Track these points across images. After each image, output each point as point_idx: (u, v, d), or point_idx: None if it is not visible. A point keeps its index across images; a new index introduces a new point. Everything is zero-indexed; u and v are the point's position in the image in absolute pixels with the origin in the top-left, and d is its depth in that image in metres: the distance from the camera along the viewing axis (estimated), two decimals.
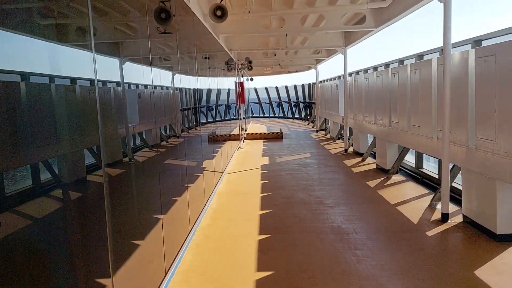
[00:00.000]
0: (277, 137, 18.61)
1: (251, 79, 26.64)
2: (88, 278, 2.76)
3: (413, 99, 7.96)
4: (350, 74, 14.39)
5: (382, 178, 9.36)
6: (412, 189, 8.43)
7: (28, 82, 2.27)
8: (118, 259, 3.05)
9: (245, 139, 18.21)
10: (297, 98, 31.00)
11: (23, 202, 2.23)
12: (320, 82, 21.68)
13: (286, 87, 31.98)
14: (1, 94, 2.03)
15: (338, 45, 13.46)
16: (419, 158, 9.64)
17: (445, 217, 6.21)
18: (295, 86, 30.69)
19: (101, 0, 3.30)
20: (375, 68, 12.72)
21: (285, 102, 32.72)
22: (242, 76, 18.22)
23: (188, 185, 6.11)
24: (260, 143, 17.04)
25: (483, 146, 5.44)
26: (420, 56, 9.19)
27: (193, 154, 7.29)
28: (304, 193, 8.29)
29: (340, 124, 15.78)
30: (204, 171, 7.68)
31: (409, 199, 7.60)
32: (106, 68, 3.45)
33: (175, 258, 4.73)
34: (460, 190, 7.02)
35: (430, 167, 9.51)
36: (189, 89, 7.63)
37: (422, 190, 8.21)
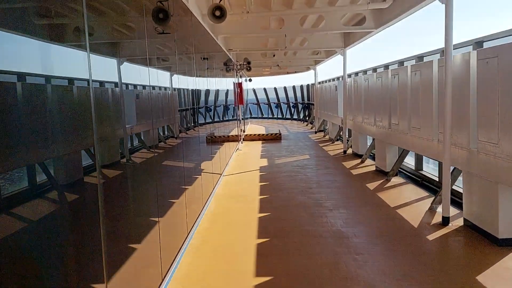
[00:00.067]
0: (275, 138, 18.53)
1: (250, 80, 26.58)
2: (81, 285, 2.67)
3: (414, 101, 7.89)
4: (349, 75, 14.32)
5: (382, 180, 9.29)
6: (412, 191, 8.35)
7: (25, 83, 2.24)
8: (113, 264, 2.96)
9: (243, 140, 18.13)
10: (296, 99, 30.94)
11: (19, 204, 2.19)
12: (319, 83, 21.62)
13: (285, 88, 31.92)
14: None
15: (337, 46, 13.38)
16: (418, 160, 9.57)
17: (445, 221, 6.13)
18: (293, 87, 30.64)
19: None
20: (374, 70, 12.65)
21: (283, 103, 32.67)
22: (240, 76, 18.14)
23: (186, 187, 6.03)
24: (258, 144, 16.96)
25: (485, 149, 5.37)
26: (420, 57, 9.13)
27: (191, 155, 7.20)
28: (303, 195, 8.21)
29: (339, 126, 15.72)
30: (202, 173, 7.59)
31: (409, 202, 7.52)
32: (103, 69, 3.41)
33: (172, 263, 4.64)
34: (461, 193, 6.96)
35: (429, 169, 9.45)
36: (188, 89, 7.54)
37: (422, 192, 8.14)
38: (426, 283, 4.38)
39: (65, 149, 2.62)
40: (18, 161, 2.15)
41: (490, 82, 5.18)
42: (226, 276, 4.73)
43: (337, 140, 16.75)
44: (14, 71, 2.15)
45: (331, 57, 17.48)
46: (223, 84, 14.47)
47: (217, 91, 14.45)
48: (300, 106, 30.60)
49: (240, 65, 16.10)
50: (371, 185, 8.93)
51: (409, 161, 9.99)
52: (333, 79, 19.12)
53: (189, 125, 8.00)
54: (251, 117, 33.99)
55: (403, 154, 9.24)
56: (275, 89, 32.92)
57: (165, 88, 5.76)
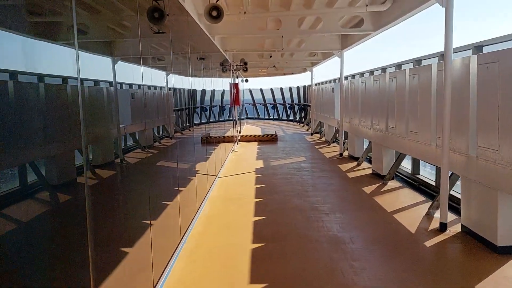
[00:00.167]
0: (271, 139, 18.44)
1: (246, 81, 26.47)
2: None
3: (411, 104, 7.82)
4: (346, 78, 14.25)
5: (378, 184, 9.21)
6: (409, 196, 8.28)
7: (17, 81, 2.18)
8: (100, 269, 2.83)
9: (239, 141, 18.02)
10: (292, 100, 30.88)
11: (9, 204, 2.14)
12: (316, 84, 21.56)
13: (281, 89, 31.86)
14: None
15: (334, 48, 13.31)
16: (415, 164, 9.50)
17: (443, 227, 6.05)
18: (290, 88, 30.58)
19: None
20: (371, 72, 12.59)
21: (280, 104, 32.59)
22: (237, 77, 18.03)
23: (180, 188, 5.91)
24: (254, 146, 16.85)
25: (485, 155, 5.29)
26: (418, 61, 9.07)
27: (186, 156, 7.08)
28: (299, 198, 8.11)
29: (335, 128, 15.65)
30: (197, 174, 7.48)
31: (406, 207, 7.45)
32: (97, 68, 3.35)
33: (165, 268, 4.52)
34: (458, 198, 6.89)
35: (426, 173, 9.39)
36: (183, 89, 7.43)
37: (418, 197, 8.07)
38: None
39: (56, 149, 2.55)
40: (10, 160, 2.11)
41: (491, 87, 5.10)
42: (220, 282, 4.62)
43: (333, 142, 16.68)
44: (6, 69, 2.10)
45: (328, 59, 17.41)
46: (219, 84, 14.36)
47: (213, 91, 14.35)
48: (296, 107, 30.53)
49: (236, 65, 15.99)
50: (368, 189, 8.85)
51: (406, 165, 9.93)
52: (330, 81, 19.06)
53: (184, 125, 7.89)
54: (247, 118, 33.88)
55: (400, 157, 9.17)
56: (271, 90, 32.85)
57: (161, 88, 5.67)
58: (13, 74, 2.16)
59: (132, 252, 3.67)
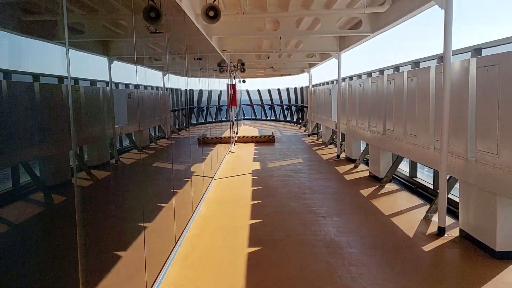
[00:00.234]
0: (268, 140, 18.36)
1: (243, 81, 26.40)
2: None
3: (409, 107, 7.76)
4: (344, 79, 14.20)
5: (376, 187, 9.15)
6: (406, 199, 8.22)
7: (10, 81, 2.13)
8: (89, 274, 2.73)
9: (236, 142, 17.94)
10: (289, 101, 30.83)
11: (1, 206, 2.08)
12: (313, 86, 21.51)
13: (279, 90, 31.81)
14: None
15: (332, 49, 13.25)
16: (413, 167, 9.45)
17: (441, 231, 5.99)
18: (287, 89, 30.53)
19: None
20: (369, 74, 12.54)
21: (277, 105, 32.54)
22: (234, 78, 17.95)
23: (176, 190, 5.82)
24: (251, 147, 16.77)
25: (484, 159, 5.23)
26: (416, 63, 9.01)
27: (182, 157, 7.00)
28: (296, 201, 8.04)
29: (333, 129, 15.60)
30: (193, 176, 7.39)
31: (404, 210, 7.38)
32: (92, 67, 3.30)
33: (159, 273, 4.43)
34: (456, 201, 6.83)
35: (424, 176, 9.34)
36: (180, 89, 7.34)
37: (416, 200, 8.01)
38: None
39: (48, 150, 2.49)
40: (3, 161, 2.07)
41: (490, 91, 5.04)
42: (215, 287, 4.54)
43: (330, 144, 16.62)
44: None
45: (325, 60, 17.36)
46: (216, 85, 14.28)
47: (210, 92, 14.26)
48: (293, 108, 30.48)
49: (234, 66, 15.91)
50: (365, 192, 8.79)
51: (403, 168, 9.88)
52: (327, 83, 19.01)
53: (181, 125, 7.81)
54: (244, 119, 33.80)
55: (397, 160, 9.12)
56: (269, 90, 32.79)
57: (157, 88, 5.60)
58: (7, 74, 2.11)
59: (124, 255, 3.57)
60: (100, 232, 3.13)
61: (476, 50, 6.50)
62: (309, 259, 5.23)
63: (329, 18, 9.78)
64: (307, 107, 23.23)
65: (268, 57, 17.10)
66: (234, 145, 17.12)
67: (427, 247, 5.59)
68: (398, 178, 9.95)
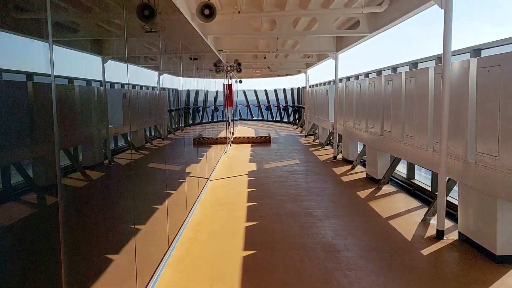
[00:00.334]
0: (265, 141, 18.25)
1: (240, 82, 26.29)
2: None
3: (408, 108, 7.66)
4: (341, 80, 14.11)
5: (373, 189, 9.05)
6: (404, 201, 8.13)
7: (1, 80, 2.08)
8: (74, 279, 2.59)
9: (232, 142, 17.81)
10: (286, 102, 30.75)
11: None
12: (310, 86, 21.42)
13: (275, 91, 31.72)
14: None
15: (329, 50, 13.15)
16: (410, 168, 9.36)
17: (440, 234, 5.89)
18: (284, 90, 30.45)
19: None
20: (366, 75, 12.46)
21: (274, 105, 32.45)
22: (230, 78, 17.82)
23: (169, 192, 5.69)
24: (247, 148, 16.65)
25: (484, 162, 5.14)
26: (414, 64, 8.93)
27: (177, 158, 6.87)
28: (292, 203, 7.92)
29: (329, 130, 15.50)
30: (188, 177, 7.26)
31: (402, 213, 7.28)
32: (86, 66, 3.25)
33: (150, 278, 4.29)
34: (455, 204, 6.75)
35: (421, 178, 9.25)
36: (176, 89, 7.22)
37: (414, 202, 7.91)
38: None
39: (44, 149, 2.42)
40: None
41: (491, 92, 4.95)
42: None
43: (327, 145, 16.53)
44: None
45: (322, 61, 17.27)
46: (213, 85, 14.15)
47: (206, 92, 14.13)
48: (290, 109, 30.39)
49: (230, 66, 15.78)
50: (362, 193, 8.68)
51: (401, 169, 9.79)
52: (324, 83, 18.93)
53: (177, 126, 7.69)
54: (240, 119, 33.67)
55: (395, 162, 9.02)
56: (265, 91, 32.70)
57: (153, 88, 5.48)
58: None
59: (113, 259, 3.43)
60: (86, 235, 2.99)
61: (476, 51, 6.42)
62: (306, 263, 5.11)
63: (327, 18, 9.68)
64: (303, 107, 23.14)
65: (265, 57, 16.99)
66: (230, 145, 16.99)
67: (426, 251, 5.48)
68: (395, 180, 9.86)
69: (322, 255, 5.36)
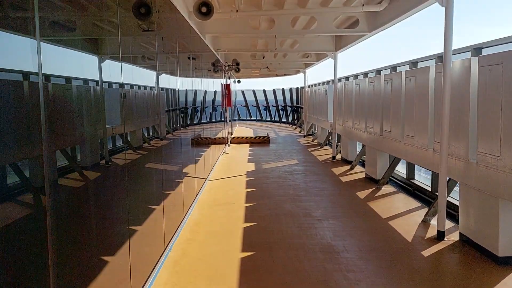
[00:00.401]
0: (263, 141, 18.17)
1: (239, 82, 26.20)
2: None
3: (408, 107, 7.59)
4: (340, 80, 14.03)
5: (372, 189, 8.97)
6: (404, 201, 8.05)
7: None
8: (62, 282, 2.50)
9: (230, 143, 17.72)
10: (285, 102, 30.67)
11: None
12: (309, 86, 21.35)
13: (274, 91, 31.64)
14: None
15: (328, 49, 13.07)
16: (410, 168, 9.29)
17: (441, 235, 5.81)
18: (283, 90, 30.37)
19: None
20: (365, 74, 12.39)
21: (272, 105, 32.37)
22: (229, 78, 17.72)
23: (166, 192, 5.60)
24: (246, 148, 16.56)
25: (485, 162, 5.06)
26: (414, 63, 8.85)
27: (175, 158, 6.79)
28: (291, 203, 7.83)
29: (328, 130, 15.43)
30: (186, 178, 7.17)
31: (402, 213, 7.20)
32: (82, 66, 3.21)
33: (146, 280, 4.20)
34: (455, 204, 6.68)
35: (421, 178, 9.18)
36: (174, 89, 7.14)
37: (414, 203, 7.83)
38: None
39: (38, 150, 2.35)
40: None
41: (493, 90, 4.87)
42: None
43: (326, 145, 16.45)
44: None
45: (321, 60, 17.19)
46: (211, 85, 14.07)
47: (204, 92, 14.07)
48: (289, 109, 30.32)
49: (228, 66, 15.69)
50: (361, 194, 8.60)
51: (400, 169, 9.72)
52: (323, 83, 18.85)
53: (175, 126, 7.61)
54: (239, 119, 33.58)
55: (394, 162, 8.94)
56: (264, 91, 32.61)
57: (151, 88, 5.40)
58: None
59: (106, 262, 3.33)
60: (75, 237, 2.87)
61: (477, 50, 6.34)
62: (304, 264, 5.03)
63: (326, 16, 9.59)
64: (302, 107, 23.06)
65: (263, 57, 16.90)
66: (229, 146, 16.90)
67: (427, 252, 5.40)
68: (395, 180, 9.78)
69: (321, 256, 5.28)
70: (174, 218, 5.90)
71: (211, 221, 6.87)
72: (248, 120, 34.10)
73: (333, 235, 6.06)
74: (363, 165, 11.30)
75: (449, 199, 6.78)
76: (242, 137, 18.66)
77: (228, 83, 16.87)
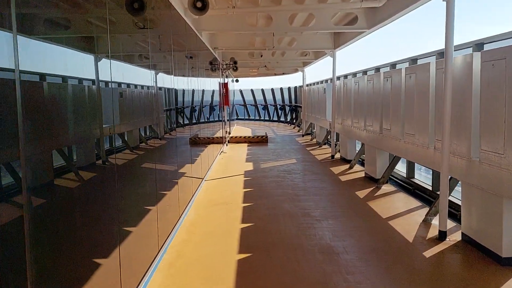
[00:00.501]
0: (262, 141, 18.04)
1: (237, 81, 26.05)
2: None
3: (407, 105, 7.45)
4: (338, 78, 13.89)
5: (372, 188, 8.83)
6: (404, 201, 7.91)
7: None
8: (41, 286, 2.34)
9: (228, 142, 17.58)
10: (283, 101, 30.54)
11: None
12: (307, 85, 21.22)
13: (272, 90, 31.53)
14: None
15: (327, 47, 12.93)
16: (410, 167, 9.15)
17: (442, 235, 5.67)
18: (281, 89, 30.26)
19: None
20: (364, 72, 12.25)
21: (271, 105, 32.25)
22: (226, 77, 17.57)
23: (161, 192, 5.46)
24: (244, 147, 16.42)
25: (488, 160, 4.92)
26: (413, 60, 8.72)
27: (172, 158, 6.65)
28: (289, 203, 7.69)
29: (327, 129, 15.30)
30: (181, 177, 7.02)
31: (402, 213, 7.07)
32: (77, 65, 3.16)
33: (138, 284, 4.05)
34: (457, 204, 6.56)
35: (421, 177, 9.05)
36: (172, 89, 7.00)
37: (414, 202, 7.70)
38: None
39: (33, 150, 2.31)
40: None
41: (496, 86, 4.73)
42: None
43: (325, 144, 16.31)
44: None
45: (320, 58, 17.05)
46: (209, 84, 13.92)
47: (202, 91, 13.93)
48: (287, 108, 30.19)
49: (226, 64, 15.53)
50: (361, 193, 8.46)
51: (400, 168, 9.58)
52: (322, 82, 18.72)
53: (173, 125, 7.47)
54: (237, 119, 33.45)
55: (394, 160, 8.81)
56: (262, 90, 32.49)
57: (148, 87, 5.27)
58: None
59: (92, 266, 3.16)
60: (54, 240, 2.69)
61: (478, 45, 6.21)
62: (303, 266, 4.88)
63: (324, 13, 9.45)
64: (301, 106, 22.93)
65: (261, 56, 16.74)
66: (227, 145, 16.76)
67: (428, 253, 5.27)
68: (395, 179, 9.64)
69: (320, 257, 5.14)
70: (169, 219, 5.75)
71: (208, 222, 6.73)
72: (246, 119, 33.96)
73: (332, 235, 5.92)
74: (362, 164, 11.17)
75: (450, 198, 6.65)
76: (240, 137, 18.54)
77: (226, 82, 16.71)
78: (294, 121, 27.64)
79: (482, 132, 5.06)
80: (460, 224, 5.77)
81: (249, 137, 18.58)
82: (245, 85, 37.69)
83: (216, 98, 16.35)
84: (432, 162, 6.56)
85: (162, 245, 5.12)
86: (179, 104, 8.08)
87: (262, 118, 33.35)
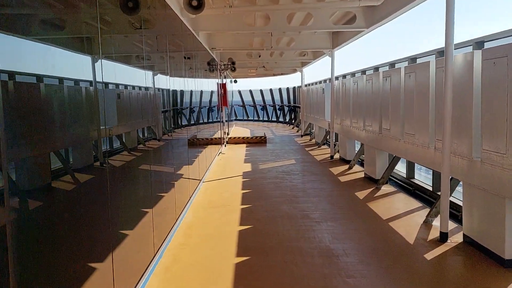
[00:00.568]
0: (260, 141, 17.95)
1: (235, 81, 25.96)
2: None
3: (407, 104, 7.36)
4: (337, 78, 13.81)
5: (372, 189, 8.74)
6: (404, 201, 7.82)
7: None
8: None
9: (227, 143, 17.48)
10: (282, 101, 30.46)
11: None
12: (306, 85, 21.13)
13: (271, 90, 31.44)
14: None
15: (325, 47, 12.84)
16: (410, 167, 9.06)
17: (443, 237, 5.58)
18: (280, 89, 30.19)
19: None
20: (363, 72, 12.16)
21: (269, 105, 32.16)
22: (225, 77, 17.47)
23: (158, 194, 5.36)
24: (243, 148, 16.33)
25: (490, 160, 4.83)
26: (413, 59, 8.63)
27: (171, 159, 6.57)
28: (288, 205, 7.59)
29: (326, 130, 15.21)
30: (178, 179, 6.92)
31: (402, 214, 6.97)
32: (74, 66, 3.13)
33: None
34: (458, 204, 6.47)
35: (421, 177, 8.96)
36: (170, 90, 6.90)
37: (414, 203, 7.61)
38: None
39: (29, 152, 2.31)
40: None
41: (498, 85, 4.64)
42: None
43: (324, 144, 16.23)
44: None
45: (318, 58, 16.96)
46: (207, 85, 13.83)
47: (201, 92, 13.83)
48: (286, 108, 30.11)
49: (224, 65, 15.44)
50: (361, 194, 8.37)
51: (400, 169, 9.49)
52: (320, 82, 18.63)
53: (170, 127, 7.38)
54: (236, 119, 33.35)
55: (394, 161, 8.72)
56: (261, 91, 32.41)
57: (146, 88, 5.19)
58: None
59: (82, 271, 3.06)
60: (41, 247, 2.58)
61: (478, 44, 6.12)
62: (302, 270, 4.78)
63: (322, 12, 9.35)
64: (299, 107, 22.84)
65: (260, 56, 16.66)
66: (225, 146, 16.66)
67: (429, 255, 5.17)
68: (394, 179, 9.55)
69: (319, 260, 5.04)
70: (166, 222, 5.65)
71: (205, 224, 6.63)
72: (245, 120, 33.88)
73: (332, 237, 5.82)
74: (361, 164, 11.08)
75: (451, 198, 6.55)
76: (239, 137, 18.45)
77: (224, 82, 16.61)
78: (293, 121, 27.56)
79: (484, 131, 4.97)
80: (462, 225, 5.68)
81: (247, 137, 18.50)
82: (244, 85, 37.61)
83: (215, 99, 16.26)
84: (433, 162, 6.47)
85: (159, 248, 5.02)
86: (177, 105, 7.99)
87: (261, 118, 33.27)
